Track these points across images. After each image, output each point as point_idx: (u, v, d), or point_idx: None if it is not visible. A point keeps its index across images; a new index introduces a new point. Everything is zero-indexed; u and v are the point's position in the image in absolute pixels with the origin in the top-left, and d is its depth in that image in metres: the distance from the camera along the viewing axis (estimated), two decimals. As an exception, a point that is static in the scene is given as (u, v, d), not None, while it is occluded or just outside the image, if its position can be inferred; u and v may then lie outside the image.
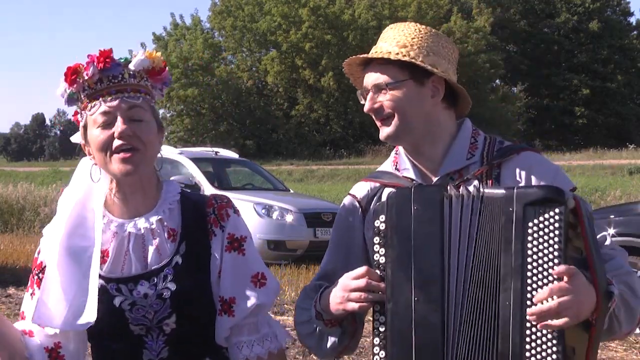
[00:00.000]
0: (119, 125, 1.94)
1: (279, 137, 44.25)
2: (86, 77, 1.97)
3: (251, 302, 2.01)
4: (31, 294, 2.02)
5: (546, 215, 1.80)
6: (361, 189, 2.20)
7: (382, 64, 2.08)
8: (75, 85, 1.98)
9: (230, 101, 44.80)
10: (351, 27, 43.57)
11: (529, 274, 1.80)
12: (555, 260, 1.78)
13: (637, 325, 1.99)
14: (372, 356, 1.99)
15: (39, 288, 1.99)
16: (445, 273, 1.88)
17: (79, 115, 2.03)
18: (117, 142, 1.94)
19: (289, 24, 44.02)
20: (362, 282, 1.95)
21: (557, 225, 1.79)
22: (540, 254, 1.80)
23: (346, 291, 1.97)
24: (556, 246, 1.79)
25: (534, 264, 1.80)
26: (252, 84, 46.90)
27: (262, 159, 35.75)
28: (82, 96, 2.00)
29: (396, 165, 2.18)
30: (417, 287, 1.89)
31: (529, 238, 1.81)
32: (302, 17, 43.56)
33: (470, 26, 46.29)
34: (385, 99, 2.07)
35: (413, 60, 2.05)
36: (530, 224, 1.81)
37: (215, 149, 14.36)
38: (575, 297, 1.75)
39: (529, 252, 1.81)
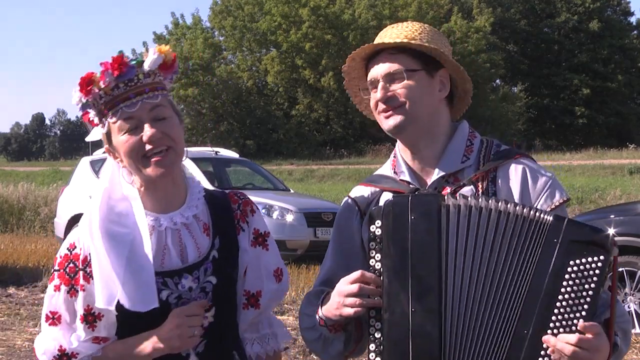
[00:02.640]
0: (147, 130, 1.95)
1: (279, 136, 44.21)
2: (103, 86, 1.96)
3: (271, 294, 2.13)
4: (69, 292, 1.99)
5: (589, 259, 1.80)
6: (360, 192, 2.19)
7: (394, 53, 2.06)
8: (91, 95, 1.97)
9: (230, 101, 44.80)
10: (351, 27, 43.54)
11: (555, 310, 1.80)
12: (586, 306, 1.79)
13: None
14: None
15: (88, 283, 1.97)
16: (442, 284, 1.86)
17: (91, 117, 2.01)
18: (148, 147, 1.96)
19: (289, 24, 44.01)
20: (355, 287, 1.93)
21: (597, 272, 1.79)
22: (572, 295, 1.80)
23: (341, 296, 1.95)
24: (591, 292, 1.79)
25: (564, 302, 1.80)
26: (252, 84, 46.88)
27: (263, 158, 35.74)
28: (99, 104, 1.99)
29: (394, 169, 2.17)
30: (414, 297, 1.87)
31: (566, 276, 1.81)
32: (302, 17, 43.54)
33: (470, 26, 46.28)
34: (398, 87, 2.05)
35: (435, 46, 2.04)
36: (572, 262, 1.81)
37: (216, 149, 14.33)
38: (591, 354, 1.78)
39: (563, 289, 1.81)
